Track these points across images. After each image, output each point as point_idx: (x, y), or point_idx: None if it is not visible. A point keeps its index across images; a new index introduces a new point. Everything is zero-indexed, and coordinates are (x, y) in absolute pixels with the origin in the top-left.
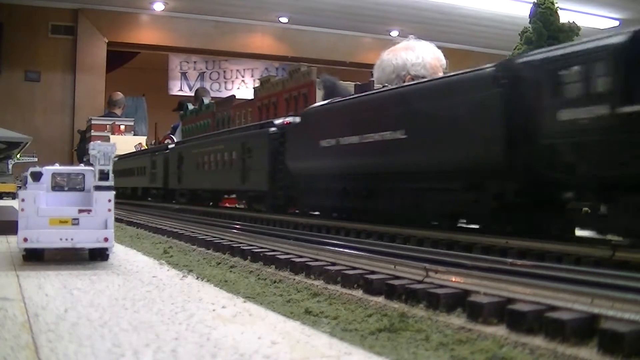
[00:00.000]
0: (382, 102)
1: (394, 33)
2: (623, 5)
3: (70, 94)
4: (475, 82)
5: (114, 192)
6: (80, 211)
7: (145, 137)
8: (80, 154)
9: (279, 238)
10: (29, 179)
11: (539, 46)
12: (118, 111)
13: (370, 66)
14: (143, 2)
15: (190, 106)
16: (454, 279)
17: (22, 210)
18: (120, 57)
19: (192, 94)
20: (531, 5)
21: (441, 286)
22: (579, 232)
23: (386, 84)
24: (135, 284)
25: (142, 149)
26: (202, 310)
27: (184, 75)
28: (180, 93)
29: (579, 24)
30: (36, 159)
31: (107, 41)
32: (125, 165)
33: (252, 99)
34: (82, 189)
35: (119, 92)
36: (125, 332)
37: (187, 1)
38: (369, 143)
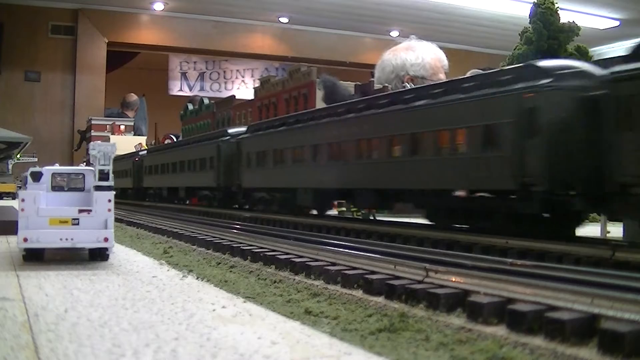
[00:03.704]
0: None
1: (394, 33)
2: (623, 5)
3: (70, 94)
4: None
5: (114, 192)
6: (80, 211)
7: (145, 137)
8: None
9: (279, 238)
10: (29, 179)
11: (539, 46)
12: (130, 113)
13: (370, 66)
14: (143, 2)
15: (190, 106)
16: (454, 279)
17: (22, 210)
18: (120, 57)
19: (192, 94)
20: (531, 5)
21: (441, 286)
22: None
23: (386, 84)
24: (135, 284)
25: (142, 149)
26: (202, 310)
27: (184, 75)
28: (180, 93)
29: (579, 24)
30: (36, 159)
31: (107, 41)
32: (161, 159)
33: (252, 99)
34: (82, 189)
35: (133, 94)
36: (125, 332)
37: (187, 1)
38: None
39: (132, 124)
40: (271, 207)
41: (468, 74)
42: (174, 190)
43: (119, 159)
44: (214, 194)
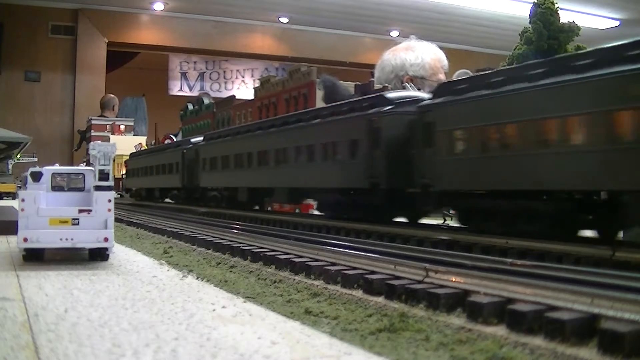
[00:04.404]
0: None
1: (394, 33)
2: (623, 5)
3: (70, 94)
4: None
5: (114, 192)
6: (80, 211)
7: (145, 137)
8: None
9: (279, 238)
10: (29, 179)
11: (539, 46)
12: (109, 113)
13: (370, 66)
14: (143, 2)
15: (191, 106)
16: (454, 279)
17: (22, 210)
18: (120, 57)
19: (192, 94)
20: (531, 5)
21: (441, 286)
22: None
23: (386, 84)
24: (135, 284)
25: (142, 149)
26: (202, 310)
27: (184, 75)
28: (180, 93)
29: (579, 24)
30: (36, 159)
31: (107, 41)
32: (234, 148)
33: (252, 99)
34: (82, 189)
35: (109, 94)
36: (125, 332)
37: (187, 1)
38: None
39: (132, 124)
40: (525, 224)
41: (455, 76)
42: (260, 192)
43: (158, 151)
44: (357, 198)
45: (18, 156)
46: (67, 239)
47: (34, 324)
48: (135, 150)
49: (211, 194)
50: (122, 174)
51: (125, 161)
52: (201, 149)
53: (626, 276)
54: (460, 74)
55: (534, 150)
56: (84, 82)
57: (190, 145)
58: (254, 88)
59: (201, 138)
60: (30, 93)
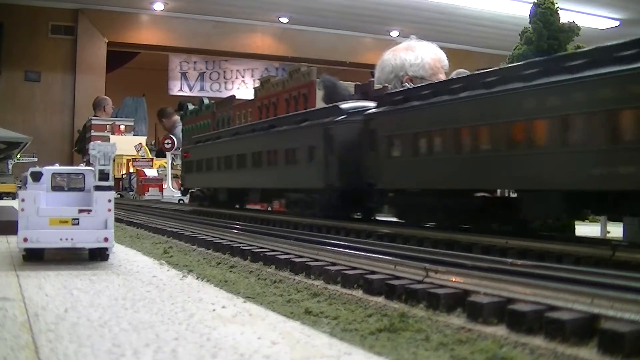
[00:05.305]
0: None
1: (394, 33)
2: (623, 5)
3: (70, 94)
4: None
5: (114, 192)
6: (80, 211)
7: (145, 137)
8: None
9: (279, 238)
10: (29, 179)
11: (539, 46)
12: (100, 113)
13: (370, 66)
14: (143, 2)
15: (191, 106)
16: (454, 279)
17: (22, 210)
18: (120, 57)
19: (192, 94)
20: (531, 5)
21: (441, 286)
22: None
23: (386, 84)
24: (135, 284)
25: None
26: (202, 310)
27: (184, 75)
28: (180, 93)
29: (579, 24)
30: (36, 159)
31: (107, 41)
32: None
33: (252, 99)
34: (82, 189)
35: (99, 95)
36: (125, 332)
37: (187, 1)
38: None
39: (132, 124)
40: None
41: (453, 74)
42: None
43: (259, 130)
44: None
45: (18, 156)
46: (67, 239)
47: (34, 324)
48: (198, 135)
49: (407, 201)
50: (122, 174)
51: (183, 150)
52: (379, 121)
53: (626, 276)
54: (458, 72)
55: None
56: (84, 82)
57: (344, 117)
58: (254, 88)
59: (371, 103)
60: (30, 93)
